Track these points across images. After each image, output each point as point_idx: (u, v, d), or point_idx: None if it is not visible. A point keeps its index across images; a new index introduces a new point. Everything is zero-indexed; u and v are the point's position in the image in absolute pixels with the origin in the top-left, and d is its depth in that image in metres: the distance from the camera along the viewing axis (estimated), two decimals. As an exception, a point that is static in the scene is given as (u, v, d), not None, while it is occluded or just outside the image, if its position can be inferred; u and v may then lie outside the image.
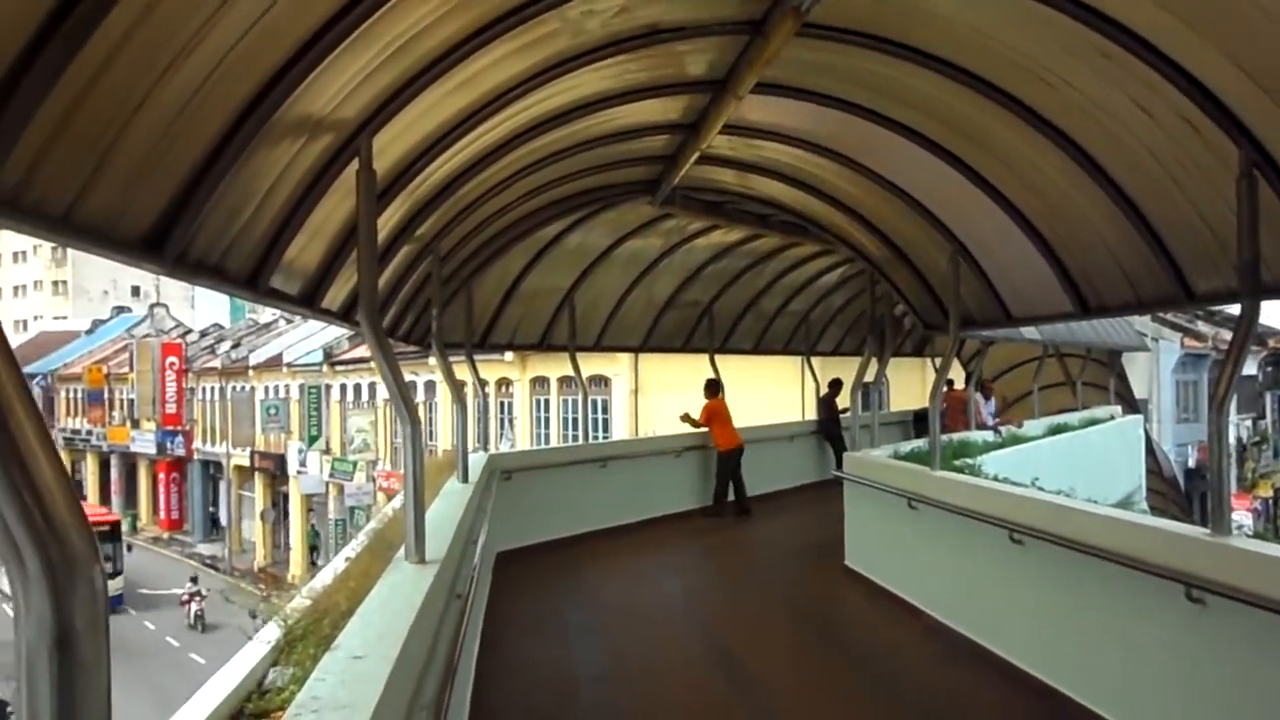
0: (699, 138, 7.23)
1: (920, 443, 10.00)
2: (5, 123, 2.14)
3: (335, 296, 5.84)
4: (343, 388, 36.79)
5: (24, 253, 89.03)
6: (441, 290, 7.84)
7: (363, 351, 35.45)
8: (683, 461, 12.91)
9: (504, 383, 28.83)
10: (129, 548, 37.91)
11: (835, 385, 15.79)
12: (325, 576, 5.82)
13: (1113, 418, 19.71)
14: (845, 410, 14.78)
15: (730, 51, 5.92)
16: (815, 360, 16.78)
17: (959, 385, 16.64)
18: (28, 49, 2.13)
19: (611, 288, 12.07)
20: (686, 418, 13.06)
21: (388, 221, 5.85)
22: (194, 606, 32.57)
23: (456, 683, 3.67)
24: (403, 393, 4.36)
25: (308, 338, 39.56)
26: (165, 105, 2.89)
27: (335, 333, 36.95)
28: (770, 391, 21.94)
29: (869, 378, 10.62)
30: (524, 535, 10.02)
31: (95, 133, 2.62)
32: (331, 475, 35.82)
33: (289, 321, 46.88)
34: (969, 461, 9.28)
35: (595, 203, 9.42)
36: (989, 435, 13.61)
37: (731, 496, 12.74)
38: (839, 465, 11.34)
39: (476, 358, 10.28)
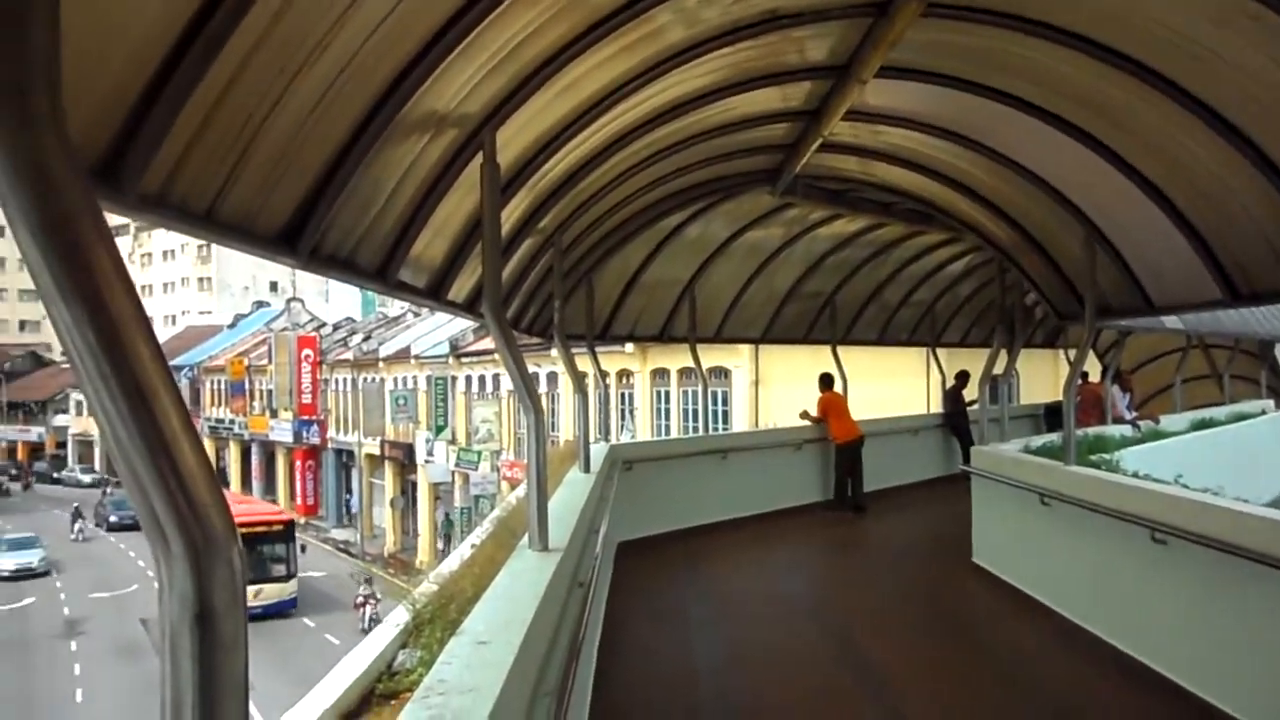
0: (820, 125, 7.11)
1: (1053, 437, 9.64)
2: (151, 126, 2.24)
3: (461, 289, 5.96)
4: (468, 379, 37.66)
5: (173, 251, 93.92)
6: (563, 282, 7.92)
7: (487, 344, 36.22)
8: (803, 455, 12.76)
9: (625, 374, 29.04)
10: (303, 548, 35.63)
11: (962, 377, 15.36)
12: (452, 563, 5.95)
13: (1264, 413, 18.61)
14: (972, 403, 14.36)
15: (852, 35, 5.80)
16: (941, 352, 16.35)
17: (1094, 378, 15.98)
18: (170, 57, 2.23)
19: (732, 279, 12.00)
20: (805, 415, 12.93)
21: (511, 215, 5.94)
22: (368, 610, 30.64)
23: (579, 670, 3.70)
24: (526, 383, 4.41)
25: (434, 330, 40.60)
26: (297, 106, 2.99)
27: (461, 325, 37.83)
28: (894, 384, 21.50)
29: (998, 370, 10.29)
30: (644, 526, 10.07)
31: (233, 134, 2.73)
32: (457, 464, 36.73)
33: (416, 315, 48.23)
34: (1106, 457, 8.90)
35: (715, 193, 9.38)
36: (1126, 430, 13.03)
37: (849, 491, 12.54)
38: (966, 460, 11.04)
39: (598, 349, 10.37)
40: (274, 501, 52.80)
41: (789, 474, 12.55)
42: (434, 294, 5.44)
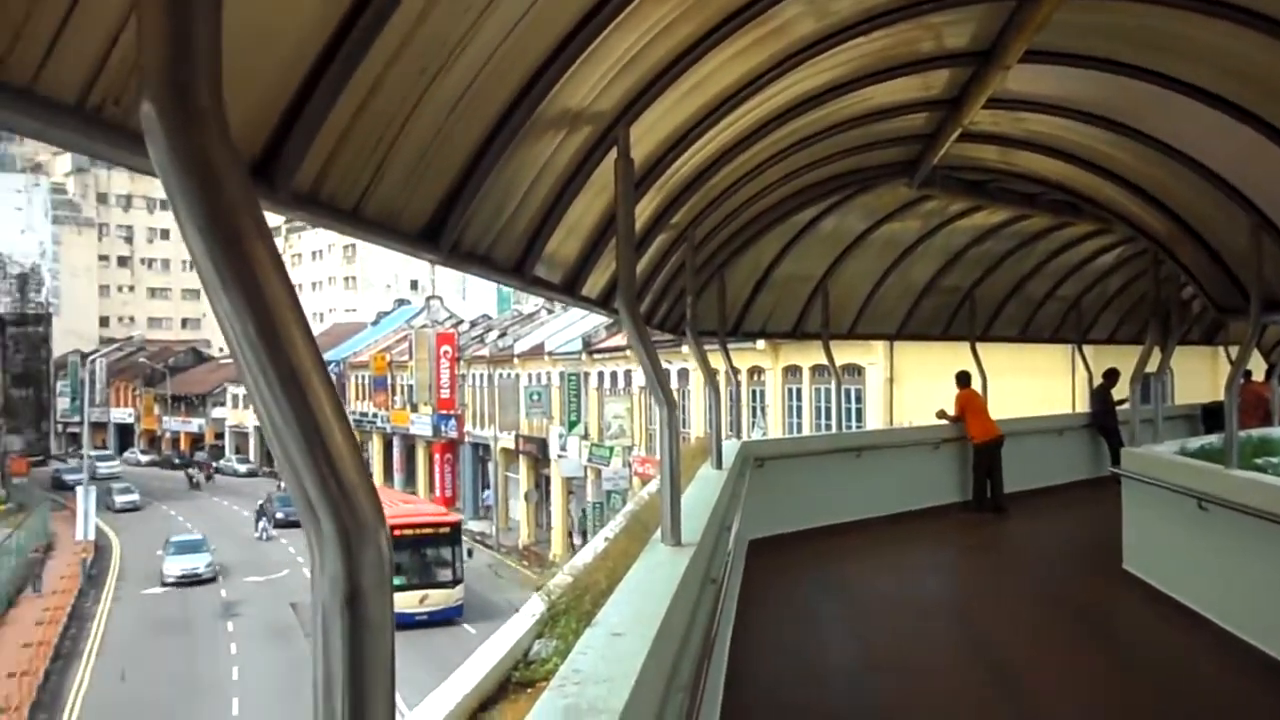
0: (960, 114, 6.89)
1: (1212, 439, 9.11)
2: (303, 126, 2.33)
3: (595, 284, 6.03)
4: (600, 375, 38.09)
5: (321, 251, 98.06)
6: (695, 278, 7.90)
7: (619, 340, 36.56)
8: (940, 454, 12.41)
9: (756, 371, 28.86)
10: (469, 553, 34.10)
11: (1111, 375, 14.65)
12: (585, 556, 6.02)
13: None
14: (1122, 402, 13.71)
15: (995, 19, 5.60)
16: (1087, 349, 15.67)
17: (1257, 376, 15.04)
18: (320, 59, 2.32)
19: (866, 274, 11.77)
20: (942, 413, 12.58)
21: (643, 211, 5.96)
22: None
23: (711, 667, 3.69)
24: (659, 377, 4.43)
25: (567, 327, 41.21)
26: (438, 105, 3.07)
27: (593, 322, 38.29)
28: (1035, 382, 20.71)
29: (1151, 368, 9.80)
30: (776, 524, 9.97)
31: (378, 133, 2.82)
32: (590, 459, 37.20)
33: (550, 312, 49.06)
34: (1273, 460, 8.36)
35: (849, 186, 9.22)
36: (1294, 432, 12.21)
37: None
38: (1115, 461, 10.54)
39: (729, 346, 10.32)
40: (414, 493, 54.57)
41: (926, 473, 12.23)
42: (569, 289, 5.51)
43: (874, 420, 24.35)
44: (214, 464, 71.24)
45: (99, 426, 77.97)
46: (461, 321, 61.31)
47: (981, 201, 10.34)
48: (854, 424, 23.87)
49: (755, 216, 9.04)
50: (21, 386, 56.44)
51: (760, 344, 26.59)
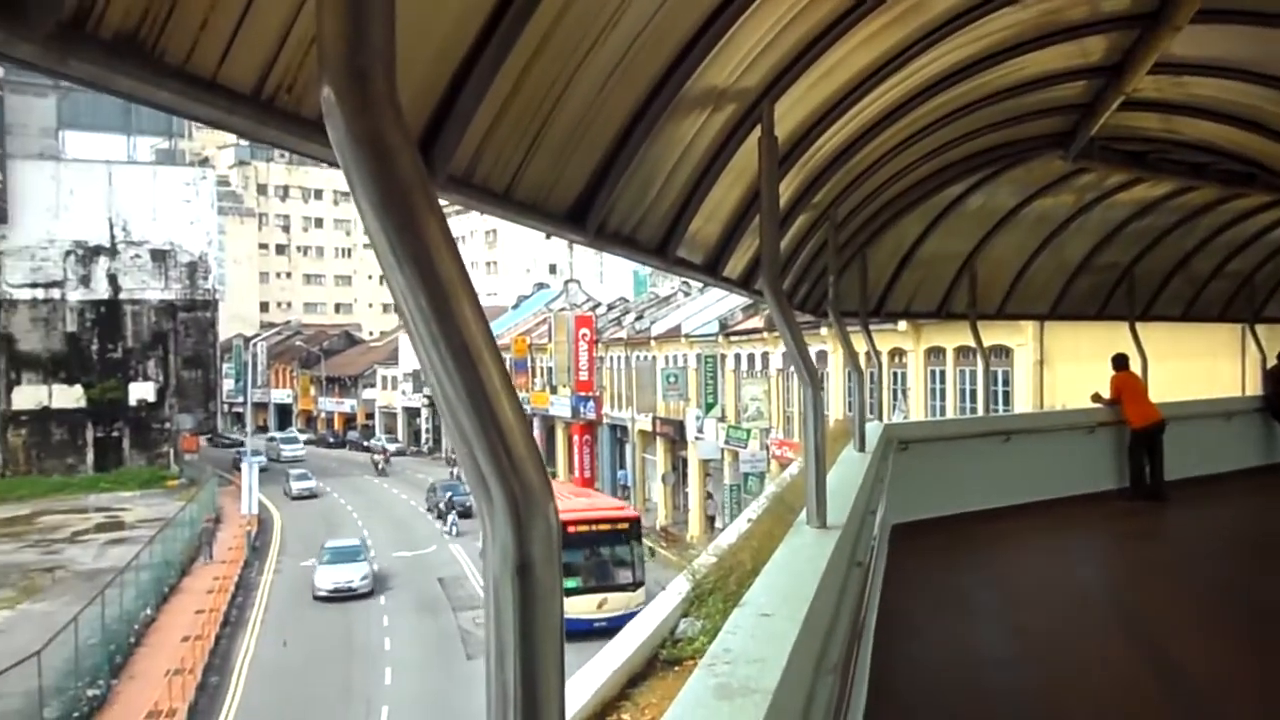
0: (1122, 81, 6.53)
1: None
2: (457, 113, 2.39)
3: (735, 265, 5.99)
4: (737, 357, 37.96)
5: (463, 237, 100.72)
6: (837, 257, 7.77)
7: (755, 323, 36.32)
8: (1096, 438, 11.85)
9: (896, 353, 28.23)
10: (651, 552, 31.05)
11: (1287, 356, 13.72)
12: (729, 536, 6.02)
13: None
14: (1300, 385, 12.83)
15: None
16: (1260, 328, 14.70)
17: None
18: (474, 45, 2.37)
19: (1016, 251, 11.32)
20: (1097, 397, 12.01)
21: (785, 190, 5.88)
22: None
23: (860, 649, 3.64)
24: (804, 356, 4.37)
25: (704, 310, 41.19)
26: (585, 88, 3.09)
27: (730, 305, 38.16)
28: (1199, 365, 19.59)
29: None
30: (921, 508, 9.73)
31: (529, 116, 2.86)
32: (727, 442, 37.16)
33: (686, 295, 49.13)
34: None
35: (999, 161, 8.88)
36: None
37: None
38: (1291, 447, 9.89)
39: (870, 327, 10.11)
40: (553, 474, 55.71)
41: (1080, 458, 11.70)
42: (710, 270, 5.50)
43: (1022, 404, 23.50)
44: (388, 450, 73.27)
45: (260, 406, 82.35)
46: (599, 304, 62.03)
47: (1142, 173, 9.80)
48: (1001, 407, 23.08)
49: (898, 194, 8.81)
50: (191, 368, 60.03)
51: (902, 325, 26.00)
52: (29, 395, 55.93)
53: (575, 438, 53.48)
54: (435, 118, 2.37)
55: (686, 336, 40.41)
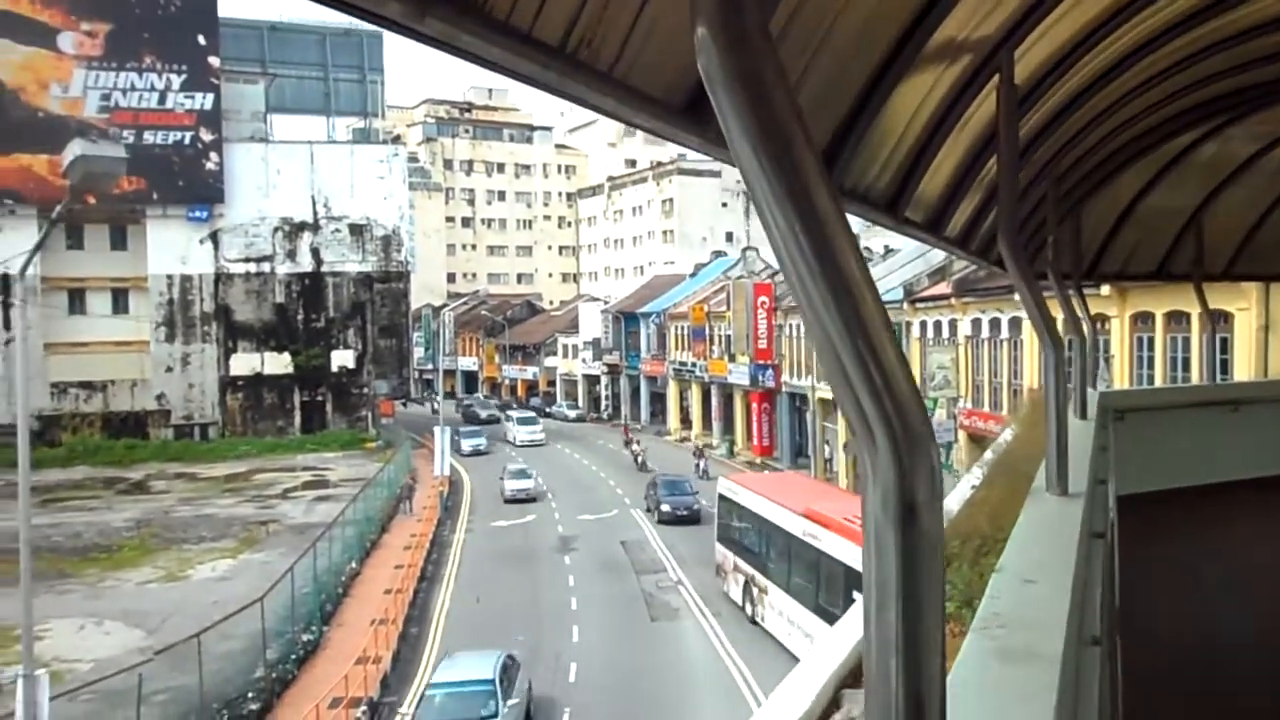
0: None
1: None
2: None
3: (956, 223, 5.79)
4: (923, 325, 36.90)
5: (640, 207, 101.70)
6: (1055, 214, 7.40)
7: (943, 289, 35.16)
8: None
9: (1099, 319, 26.69)
10: None
11: None
12: (950, 502, 5.88)
13: None
14: None
15: None
16: None
17: None
18: None
19: (1249, 206, 10.51)
20: None
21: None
22: None
23: (1116, 622, 3.49)
24: (1047, 319, 4.18)
25: (885, 276, 40.16)
26: (838, 44, 3.03)
27: (914, 270, 37.05)
28: None
29: None
30: (1142, 481, 9.20)
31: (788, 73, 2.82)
32: (911, 411, 36.25)
33: (869, 261, 47.83)
34: None
35: (1237, 107, 8.23)
36: None
37: None
38: None
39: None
40: (731, 440, 55.82)
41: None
42: (933, 228, 5.33)
43: (1242, 373, 21.85)
44: (545, 413, 75.08)
45: (448, 373, 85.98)
46: (778, 272, 61.47)
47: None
48: (1219, 376, 21.53)
49: (1121, 146, 8.31)
50: (386, 337, 63.24)
51: (1104, 290, 24.58)
52: (244, 362, 60.31)
53: (754, 406, 53.37)
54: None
55: (869, 303, 39.52)
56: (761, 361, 50.92)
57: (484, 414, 72.03)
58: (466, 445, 57.60)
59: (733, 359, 54.42)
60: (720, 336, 56.82)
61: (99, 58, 57.70)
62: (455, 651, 22.75)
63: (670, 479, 41.12)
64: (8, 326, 56.69)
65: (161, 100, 58.42)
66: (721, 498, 29.57)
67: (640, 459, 50.98)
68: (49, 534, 33.26)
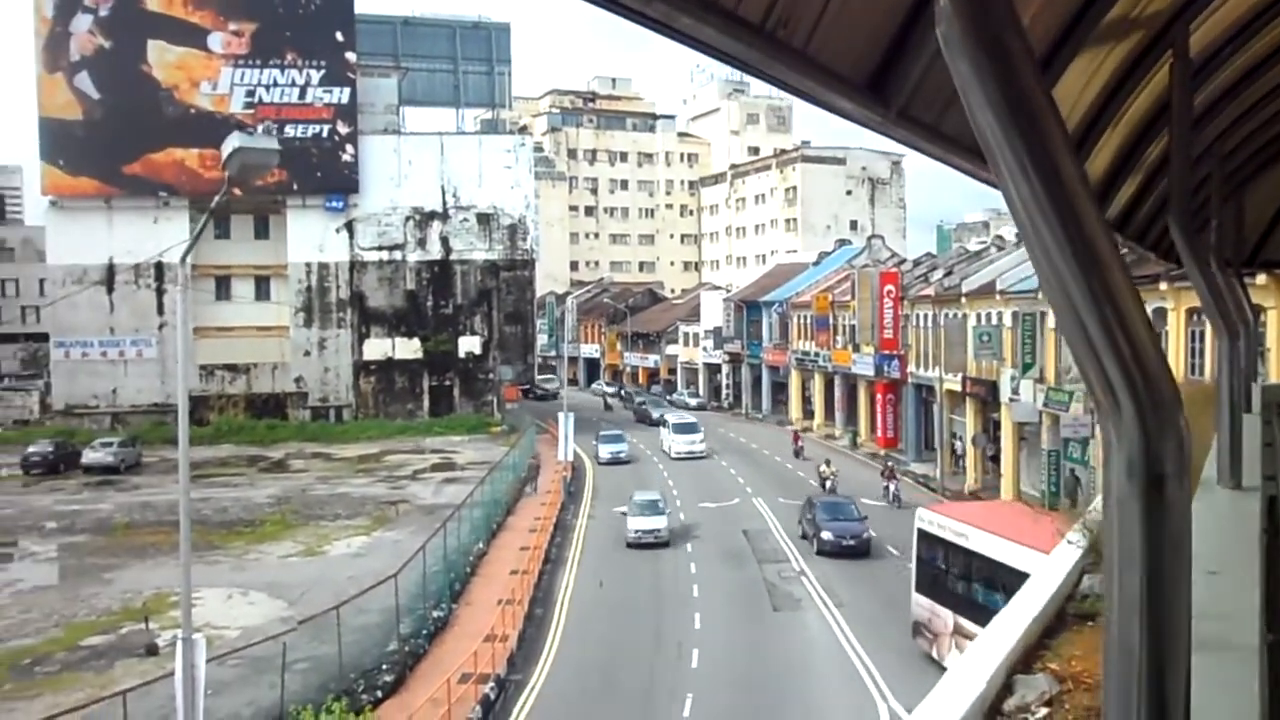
0: None
1: None
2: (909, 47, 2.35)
3: (1115, 207, 5.58)
4: (1057, 315, 35.61)
5: (763, 195, 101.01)
6: (1219, 195, 7.04)
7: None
8: None
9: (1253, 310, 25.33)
10: None
11: None
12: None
13: None
14: None
15: None
16: None
17: None
18: None
19: None
20: None
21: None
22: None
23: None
24: (1221, 306, 4.01)
25: (1020, 264, 38.89)
26: None
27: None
28: None
29: None
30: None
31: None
32: (1045, 404, 35.07)
33: (1000, 249, 46.57)
34: None
35: None
36: None
37: None
38: None
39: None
40: (854, 432, 55.02)
41: None
42: None
43: None
44: (652, 392, 75.41)
45: (571, 360, 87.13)
46: (904, 261, 60.21)
47: None
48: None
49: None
50: (512, 324, 64.53)
51: (1260, 279, 23.26)
52: (376, 347, 62.44)
53: (878, 396, 52.49)
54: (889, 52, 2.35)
55: (1001, 293, 38.37)
56: (887, 351, 50.01)
57: (656, 414, 63.97)
58: (605, 452, 50.39)
59: (857, 349, 53.61)
60: (844, 326, 56.02)
61: (245, 56, 60.41)
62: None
63: (832, 501, 34.23)
64: (162, 311, 60.09)
65: (302, 95, 60.81)
66: (922, 535, 23.64)
67: (831, 484, 40.41)
68: (199, 508, 35.04)
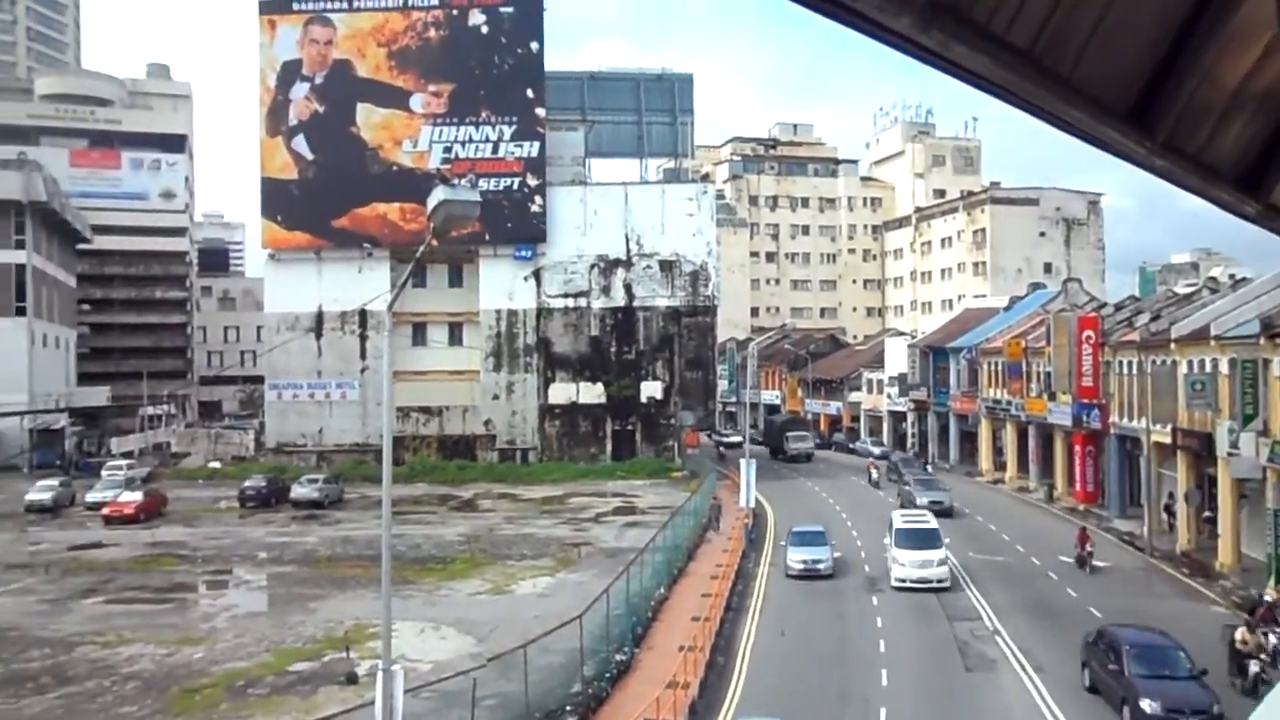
0: None
1: None
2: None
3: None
4: (1283, 363, 32.86)
5: (949, 239, 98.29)
6: None
7: (1309, 321, 31.15)
8: None
9: None
10: None
11: None
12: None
13: None
14: None
15: None
16: None
17: None
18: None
19: None
20: None
21: None
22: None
23: None
24: None
25: (1239, 308, 36.20)
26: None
27: (1273, 301, 33.13)
28: None
29: None
30: None
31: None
32: (1270, 460, 32.27)
33: (1213, 291, 43.54)
34: None
35: None
36: None
37: None
38: None
39: None
40: (1050, 484, 52.20)
41: None
42: None
43: None
44: (833, 442, 73.29)
45: (751, 406, 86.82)
46: (1103, 305, 57.15)
47: None
48: None
49: None
50: (693, 369, 65.03)
51: None
52: (561, 391, 64.16)
53: (1076, 448, 49.75)
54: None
55: (1217, 338, 35.75)
56: (1086, 400, 47.41)
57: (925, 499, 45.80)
58: (795, 560, 35.32)
59: (1053, 397, 51.08)
60: (1039, 373, 53.56)
61: (443, 115, 63.93)
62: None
63: (1147, 643, 22.30)
64: (365, 356, 63.73)
65: (494, 150, 63.75)
66: None
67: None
68: (395, 544, 36.33)
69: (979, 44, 1.55)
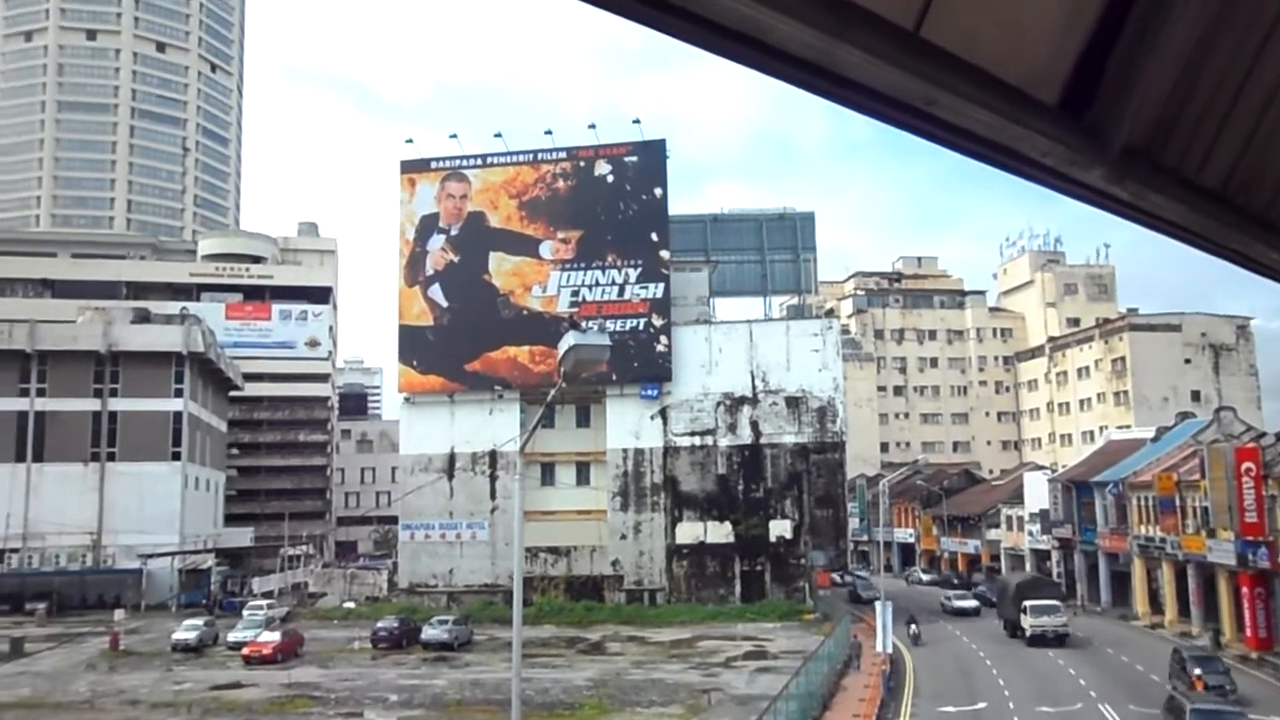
0: None
1: None
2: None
3: None
4: None
5: (1087, 369, 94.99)
6: None
7: None
8: None
9: None
10: None
11: None
12: None
13: None
14: None
15: None
16: None
17: None
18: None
19: None
20: None
21: None
22: None
23: None
24: None
25: None
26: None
27: None
28: None
29: None
30: None
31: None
32: None
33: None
34: None
35: None
36: None
37: None
38: None
39: None
40: (1216, 630, 48.33)
41: None
42: None
43: None
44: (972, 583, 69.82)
45: (885, 546, 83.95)
46: (1263, 434, 53.82)
47: None
48: None
49: None
50: (822, 507, 63.51)
51: None
52: (688, 531, 63.41)
53: (1243, 590, 46.12)
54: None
55: (1395, 470, 33.10)
56: (1250, 538, 44.20)
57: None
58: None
59: (1212, 534, 47.81)
60: (1194, 508, 50.34)
61: (570, 260, 66.10)
62: None
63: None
64: (494, 496, 64.63)
65: (620, 292, 65.29)
66: None
67: None
68: (523, 689, 36.18)
69: (1173, 190, 1.47)
